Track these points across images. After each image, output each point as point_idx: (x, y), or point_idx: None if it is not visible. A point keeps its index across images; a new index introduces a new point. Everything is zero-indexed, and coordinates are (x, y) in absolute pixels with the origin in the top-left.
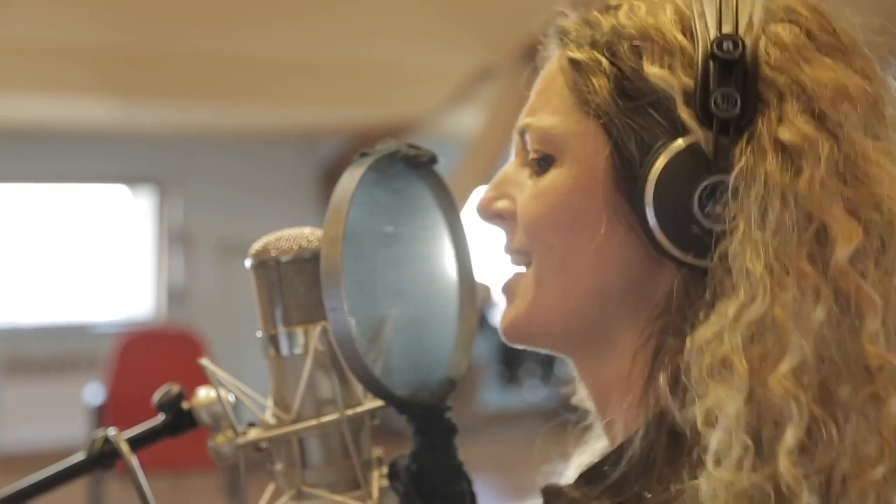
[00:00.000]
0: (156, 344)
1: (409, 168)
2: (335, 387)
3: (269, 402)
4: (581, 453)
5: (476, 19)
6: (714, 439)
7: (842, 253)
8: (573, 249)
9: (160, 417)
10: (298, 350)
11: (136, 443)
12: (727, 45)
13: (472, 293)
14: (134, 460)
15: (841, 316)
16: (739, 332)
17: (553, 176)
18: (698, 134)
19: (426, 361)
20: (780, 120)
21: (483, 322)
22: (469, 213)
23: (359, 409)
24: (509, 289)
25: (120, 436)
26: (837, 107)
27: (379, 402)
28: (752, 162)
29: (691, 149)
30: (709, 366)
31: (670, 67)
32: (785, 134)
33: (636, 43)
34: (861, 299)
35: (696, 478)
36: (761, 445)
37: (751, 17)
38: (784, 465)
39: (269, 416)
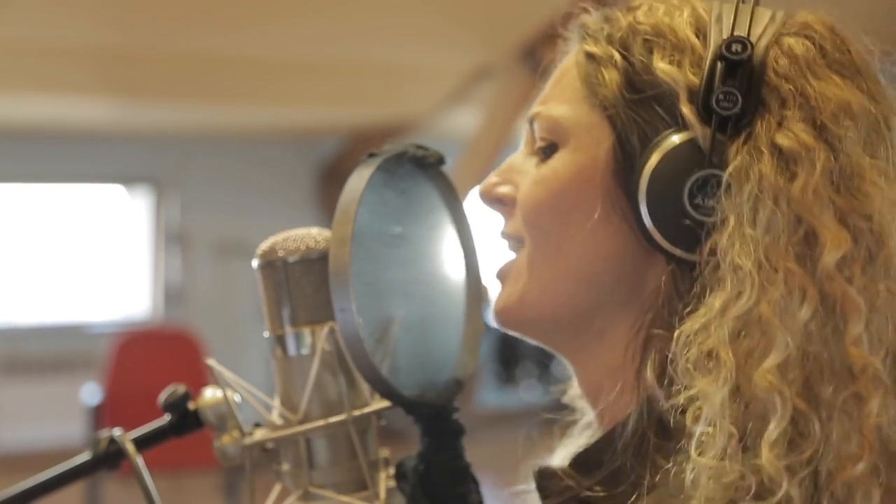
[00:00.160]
0: (153, 344)
1: (417, 168)
2: (342, 387)
3: (276, 403)
4: (565, 445)
5: (474, 19)
6: (698, 429)
7: (829, 257)
8: (568, 236)
9: (165, 418)
10: (305, 350)
11: (141, 443)
12: (736, 46)
13: (478, 294)
14: (140, 461)
15: (826, 318)
16: (726, 325)
17: (555, 163)
18: (697, 130)
19: (433, 362)
20: (779, 125)
21: None
22: (472, 212)
23: (366, 410)
24: (503, 273)
25: (125, 436)
26: (839, 121)
27: (386, 403)
28: (747, 161)
29: (688, 144)
30: (695, 358)
31: (679, 64)
32: (783, 139)
33: (649, 39)
34: (846, 303)
35: (685, 461)
36: (744, 437)
37: (766, 28)
38: (766, 456)
39: (275, 417)
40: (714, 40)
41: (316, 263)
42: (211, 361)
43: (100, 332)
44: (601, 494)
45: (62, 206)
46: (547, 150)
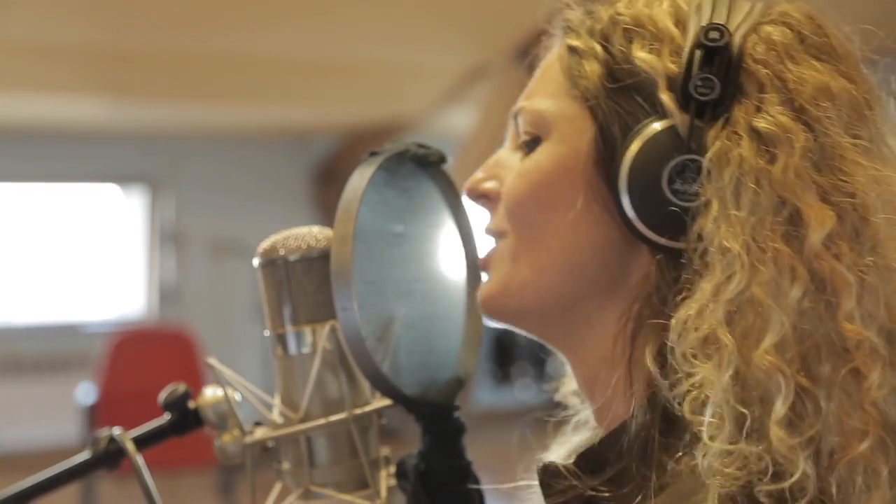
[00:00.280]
0: (147, 343)
1: (419, 167)
2: (343, 386)
3: (276, 401)
4: (561, 443)
5: (469, 19)
6: (706, 417)
7: (815, 236)
8: (550, 227)
9: (165, 417)
10: (306, 349)
11: (141, 442)
12: (713, 34)
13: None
14: (140, 460)
15: (817, 295)
16: (720, 309)
17: (538, 155)
18: (676, 117)
19: (434, 360)
20: (758, 109)
21: None
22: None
23: (367, 409)
24: (486, 263)
25: (125, 435)
26: (817, 103)
27: (387, 402)
28: (726, 146)
29: (668, 131)
30: (694, 344)
31: (658, 53)
32: (761, 122)
33: (629, 29)
34: (836, 279)
35: (692, 459)
36: (752, 419)
37: (745, 18)
38: (777, 435)
39: (276, 415)
40: (693, 29)
41: (317, 262)
42: (212, 360)
43: (94, 331)
44: (606, 494)
45: (57, 206)
46: (531, 144)
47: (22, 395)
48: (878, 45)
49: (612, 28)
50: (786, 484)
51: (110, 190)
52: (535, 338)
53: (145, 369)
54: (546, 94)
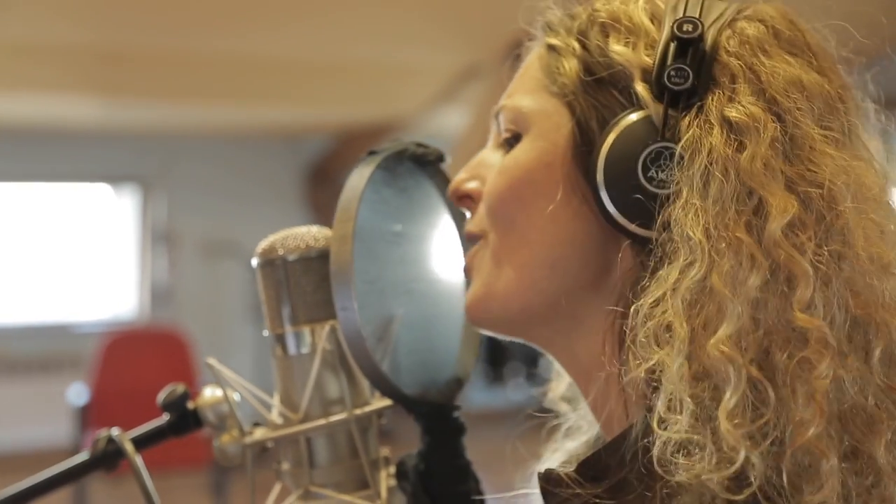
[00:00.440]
0: (140, 343)
1: (417, 166)
2: (343, 386)
3: (276, 402)
4: (555, 449)
5: (461, 19)
6: (660, 401)
7: (775, 224)
8: (530, 223)
9: (164, 417)
10: (306, 349)
11: (140, 443)
12: (687, 26)
13: None
14: (139, 461)
15: (775, 284)
16: (679, 296)
17: (517, 151)
18: (651, 108)
19: (434, 360)
20: (730, 100)
21: None
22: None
23: (367, 409)
24: (469, 268)
25: (124, 436)
26: (789, 94)
27: (386, 402)
28: (698, 134)
29: (643, 122)
30: (653, 331)
31: (633, 46)
32: (732, 112)
33: (605, 24)
34: (793, 268)
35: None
36: (703, 407)
37: (721, 14)
38: (724, 426)
39: (275, 416)
40: (668, 24)
41: (316, 262)
42: (211, 360)
43: (86, 331)
44: (609, 502)
45: (48, 205)
46: (511, 142)
47: (13, 395)
48: (856, 47)
49: (589, 25)
50: (728, 472)
51: (102, 190)
52: (524, 342)
53: (137, 370)
54: (525, 92)
